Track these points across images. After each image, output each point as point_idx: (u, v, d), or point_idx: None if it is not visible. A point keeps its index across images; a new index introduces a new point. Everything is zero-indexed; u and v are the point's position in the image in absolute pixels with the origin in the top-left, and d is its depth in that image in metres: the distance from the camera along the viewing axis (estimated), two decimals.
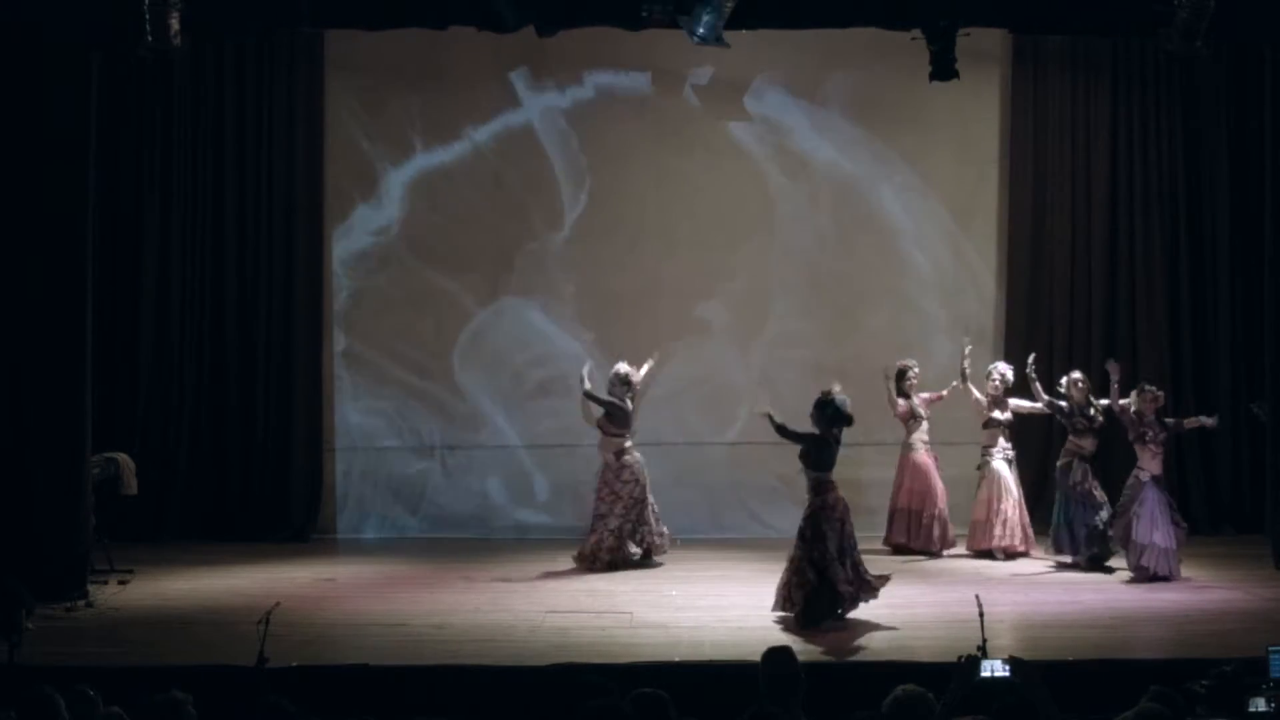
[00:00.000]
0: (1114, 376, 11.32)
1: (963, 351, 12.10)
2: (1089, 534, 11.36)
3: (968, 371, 12.04)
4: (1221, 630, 9.33)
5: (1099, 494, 11.37)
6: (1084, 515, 11.38)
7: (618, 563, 11.44)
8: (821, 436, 9.68)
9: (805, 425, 9.75)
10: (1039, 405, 11.73)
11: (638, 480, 11.57)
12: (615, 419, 11.60)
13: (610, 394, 11.60)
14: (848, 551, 9.61)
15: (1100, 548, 11.32)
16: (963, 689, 5.54)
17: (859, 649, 8.96)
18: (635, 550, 11.50)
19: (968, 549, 12.01)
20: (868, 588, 9.64)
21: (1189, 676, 6.74)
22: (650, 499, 11.64)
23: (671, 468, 12.84)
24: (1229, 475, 13.27)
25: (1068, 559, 11.47)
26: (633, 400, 11.70)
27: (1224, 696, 6.39)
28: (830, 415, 9.67)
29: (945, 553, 12.02)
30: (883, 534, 12.25)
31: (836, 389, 9.80)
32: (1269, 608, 10.04)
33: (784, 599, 9.65)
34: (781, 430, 9.75)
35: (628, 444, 11.65)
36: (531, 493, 13.20)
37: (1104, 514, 11.25)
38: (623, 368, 11.64)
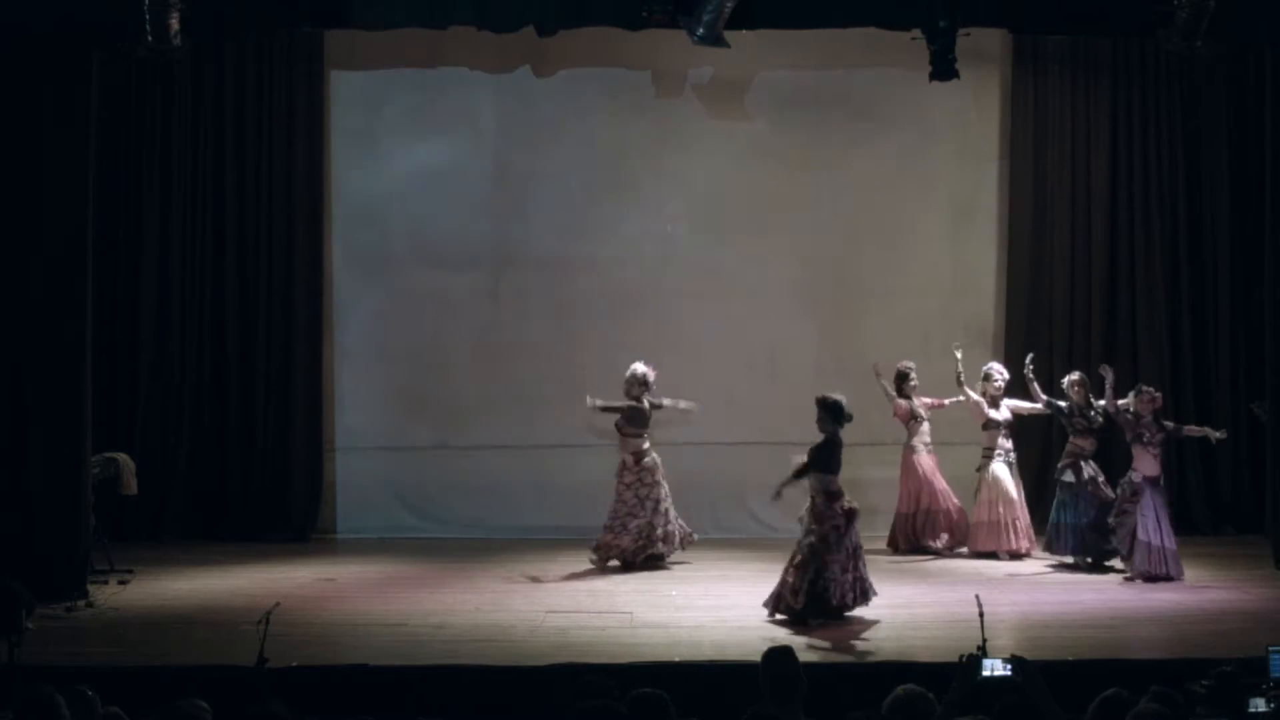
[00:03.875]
0: (1108, 380, 11.29)
1: (955, 356, 12.11)
2: (1095, 533, 11.34)
3: (963, 375, 12.07)
4: (1221, 630, 9.31)
5: (1107, 492, 11.34)
6: (1090, 515, 11.35)
7: (633, 563, 11.42)
8: (831, 440, 9.70)
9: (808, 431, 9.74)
10: (1038, 405, 11.74)
11: (657, 481, 11.57)
12: (633, 420, 11.57)
13: (628, 394, 11.57)
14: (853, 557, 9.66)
15: (1104, 547, 11.30)
16: (963, 689, 5.54)
17: (859, 649, 8.96)
18: (662, 549, 11.50)
19: (969, 550, 12.00)
20: (864, 597, 9.68)
21: (1189, 676, 6.75)
22: (667, 499, 11.63)
23: (672, 468, 12.81)
24: (1229, 475, 13.25)
25: (1068, 560, 11.47)
26: (650, 401, 11.65)
27: (1224, 696, 6.40)
28: (837, 415, 9.71)
29: (953, 551, 12.01)
30: (885, 534, 12.28)
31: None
32: (1269, 608, 10.02)
33: (778, 601, 9.66)
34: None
35: (645, 444, 11.63)
36: (532, 493, 13.18)
37: (1112, 514, 11.25)
38: (640, 368, 11.60)
